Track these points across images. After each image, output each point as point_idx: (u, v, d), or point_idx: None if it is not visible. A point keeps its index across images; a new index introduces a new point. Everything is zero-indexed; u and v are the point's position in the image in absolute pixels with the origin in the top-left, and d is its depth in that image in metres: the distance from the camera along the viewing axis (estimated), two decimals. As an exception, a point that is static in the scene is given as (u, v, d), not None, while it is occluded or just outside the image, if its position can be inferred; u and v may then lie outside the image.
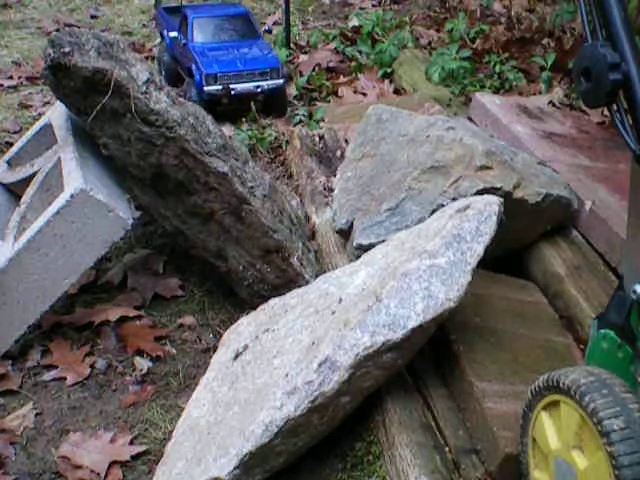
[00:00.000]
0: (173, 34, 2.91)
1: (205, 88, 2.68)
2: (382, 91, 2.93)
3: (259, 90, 2.73)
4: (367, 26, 3.29)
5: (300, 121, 2.73)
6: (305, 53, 3.34)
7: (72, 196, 1.70)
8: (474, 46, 2.97)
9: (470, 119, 2.33)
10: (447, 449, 1.36)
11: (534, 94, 2.59)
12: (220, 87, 2.68)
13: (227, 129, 2.57)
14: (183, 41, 2.84)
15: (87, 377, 1.73)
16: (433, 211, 1.65)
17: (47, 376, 1.74)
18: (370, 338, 1.32)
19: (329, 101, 2.88)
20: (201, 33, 2.85)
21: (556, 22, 2.78)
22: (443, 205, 1.64)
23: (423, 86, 2.77)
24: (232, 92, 2.69)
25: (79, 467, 1.51)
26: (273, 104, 2.82)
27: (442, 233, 1.40)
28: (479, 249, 1.39)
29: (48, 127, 2.00)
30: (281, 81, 2.77)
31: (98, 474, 1.49)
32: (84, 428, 1.60)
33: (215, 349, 1.71)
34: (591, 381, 1.03)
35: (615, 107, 1.03)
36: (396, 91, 2.94)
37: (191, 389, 1.63)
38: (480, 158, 1.70)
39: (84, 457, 1.52)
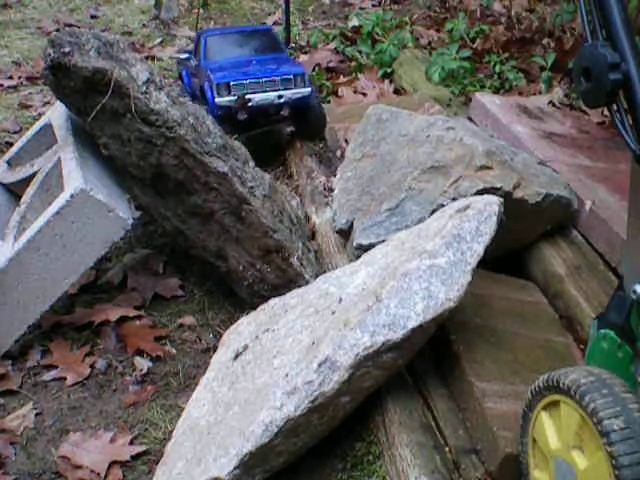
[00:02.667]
0: (184, 55, 2.54)
1: (216, 100, 2.23)
2: (382, 91, 2.93)
3: (282, 101, 2.27)
4: (367, 26, 3.29)
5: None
6: (305, 53, 3.35)
7: (72, 196, 1.70)
8: (474, 46, 2.98)
9: (470, 119, 2.33)
10: (447, 449, 1.36)
11: (534, 94, 2.59)
12: (234, 98, 2.24)
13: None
14: (195, 62, 2.46)
15: (87, 377, 1.73)
16: (433, 211, 1.65)
17: (47, 376, 1.74)
18: (370, 338, 1.32)
19: (329, 101, 2.88)
20: (215, 50, 2.46)
21: (556, 22, 2.78)
22: (443, 205, 1.64)
23: (423, 86, 2.77)
24: (249, 103, 2.25)
25: (79, 467, 1.51)
26: (305, 120, 2.38)
27: (442, 233, 1.40)
28: (479, 249, 1.39)
29: (48, 127, 2.00)
30: (308, 89, 2.31)
31: (98, 474, 1.49)
32: (84, 428, 1.60)
33: (215, 349, 1.71)
34: (591, 381, 1.03)
35: (615, 107, 1.03)
36: (396, 91, 2.94)
37: (191, 389, 1.63)
38: (480, 158, 1.70)
39: (84, 457, 1.52)
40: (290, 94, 2.29)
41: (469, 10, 3.29)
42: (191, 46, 3.69)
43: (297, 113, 2.34)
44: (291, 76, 2.29)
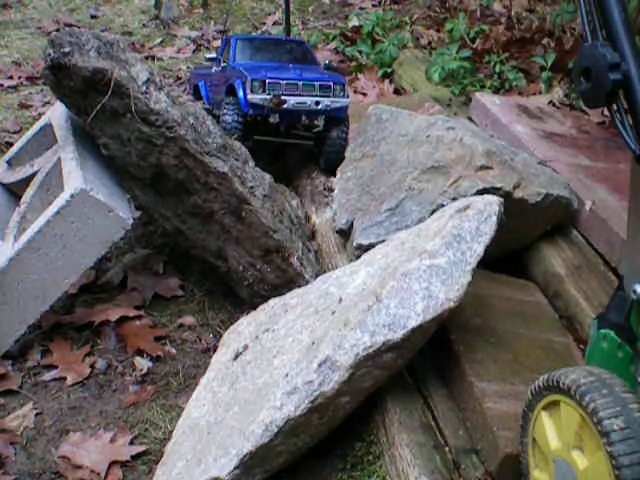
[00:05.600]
0: (210, 55, 2.40)
1: (249, 96, 2.05)
2: (382, 91, 2.93)
3: (319, 107, 2.09)
4: (367, 26, 3.29)
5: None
6: (305, 53, 3.34)
7: (72, 196, 1.70)
8: (474, 46, 2.97)
9: (470, 119, 2.33)
10: (447, 449, 1.36)
11: (534, 94, 2.59)
12: (268, 96, 2.05)
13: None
14: (223, 64, 2.30)
15: (87, 377, 1.73)
16: (433, 211, 1.65)
17: (47, 376, 1.74)
18: (370, 338, 1.32)
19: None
20: (247, 53, 2.30)
21: (556, 22, 2.78)
22: (443, 205, 1.64)
23: (423, 86, 2.77)
24: (284, 105, 2.06)
25: (79, 467, 1.51)
26: (332, 137, 2.17)
27: (442, 233, 1.40)
28: (479, 249, 1.39)
29: (48, 127, 2.00)
30: (347, 100, 2.14)
31: (98, 474, 1.49)
32: (84, 428, 1.60)
33: (215, 349, 1.71)
34: (591, 381, 1.03)
35: (615, 107, 1.03)
36: (396, 91, 2.94)
37: (191, 389, 1.64)
38: (480, 158, 1.70)
39: (84, 457, 1.52)
40: (328, 102, 2.11)
41: (469, 10, 3.29)
42: (190, 47, 3.70)
43: (329, 124, 2.17)
44: (331, 83, 2.11)
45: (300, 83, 2.09)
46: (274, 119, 2.11)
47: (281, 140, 2.24)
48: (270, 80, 2.07)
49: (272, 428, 1.29)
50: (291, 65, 2.25)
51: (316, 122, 2.17)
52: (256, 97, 2.06)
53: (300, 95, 2.09)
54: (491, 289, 1.65)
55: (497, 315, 1.57)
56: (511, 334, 1.52)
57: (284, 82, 2.08)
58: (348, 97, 2.16)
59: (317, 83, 2.10)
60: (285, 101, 2.07)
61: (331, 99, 2.11)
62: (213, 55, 2.42)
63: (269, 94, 2.06)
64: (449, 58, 2.77)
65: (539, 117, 2.26)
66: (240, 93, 2.08)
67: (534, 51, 2.83)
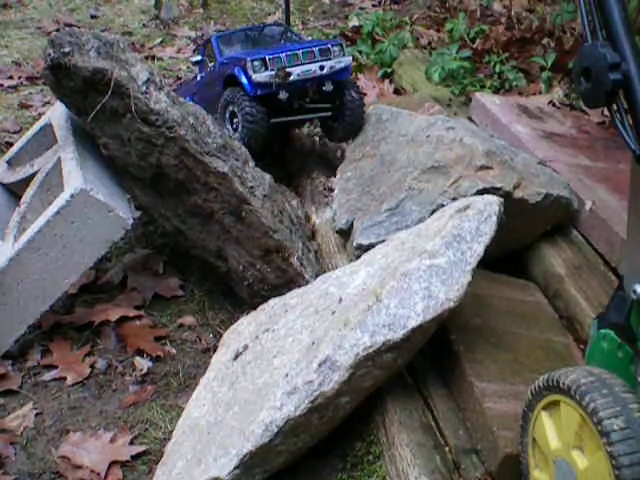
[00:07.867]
0: (197, 58, 2.38)
1: (253, 77, 1.98)
2: (382, 91, 2.93)
3: (324, 72, 2.03)
4: (367, 26, 3.28)
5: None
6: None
7: (72, 196, 1.70)
8: (474, 46, 2.97)
9: (470, 119, 2.33)
10: (447, 449, 1.36)
11: (534, 94, 2.59)
12: (273, 72, 1.99)
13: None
14: (210, 65, 2.28)
15: (87, 377, 1.73)
16: (433, 211, 1.65)
17: (47, 376, 1.74)
18: (370, 338, 1.32)
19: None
20: (230, 46, 2.27)
21: (556, 22, 2.78)
22: (443, 205, 1.64)
23: (423, 86, 2.77)
24: (290, 77, 2.00)
25: (79, 467, 1.51)
26: (349, 100, 2.11)
27: (442, 233, 1.40)
28: (479, 249, 1.39)
29: (48, 127, 2.00)
30: (349, 59, 2.10)
31: (98, 474, 1.50)
32: (84, 428, 1.60)
33: (215, 349, 1.71)
34: (591, 381, 1.03)
35: (615, 107, 1.03)
36: (396, 91, 2.94)
37: (191, 389, 1.64)
38: (480, 158, 1.70)
39: (84, 457, 1.52)
40: (332, 63, 2.05)
41: (469, 10, 3.28)
42: (190, 47, 3.70)
43: (338, 90, 2.11)
44: (328, 45, 2.07)
45: (300, 52, 2.04)
46: (283, 95, 2.03)
47: (298, 118, 2.17)
48: (270, 56, 2.02)
49: (272, 428, 1.30)
50: (281, 42, 2.23)
51: (324, 88, 2.08)
52: (260, 76, 2.00)
53: (302, 64, 2.03)
54: (491, 289, 1.65)
55: (497, 315, 1.57)
56: (511, 334, 1.52)
57: (284, 55, 2.03)
58: (349, 56, 2.12)
59: (316, 48, 2.06)
60: (291, 73, 2.01)
61: (333, 60, 2.06)
62: (199, 58, 2.38)
63: (272, 70, 2.00)
64: (449, 58, 2.77)
65: (539, 117, 2.26)
66: (242, 78, 2.03)
67: (534, 51, 2.83)
